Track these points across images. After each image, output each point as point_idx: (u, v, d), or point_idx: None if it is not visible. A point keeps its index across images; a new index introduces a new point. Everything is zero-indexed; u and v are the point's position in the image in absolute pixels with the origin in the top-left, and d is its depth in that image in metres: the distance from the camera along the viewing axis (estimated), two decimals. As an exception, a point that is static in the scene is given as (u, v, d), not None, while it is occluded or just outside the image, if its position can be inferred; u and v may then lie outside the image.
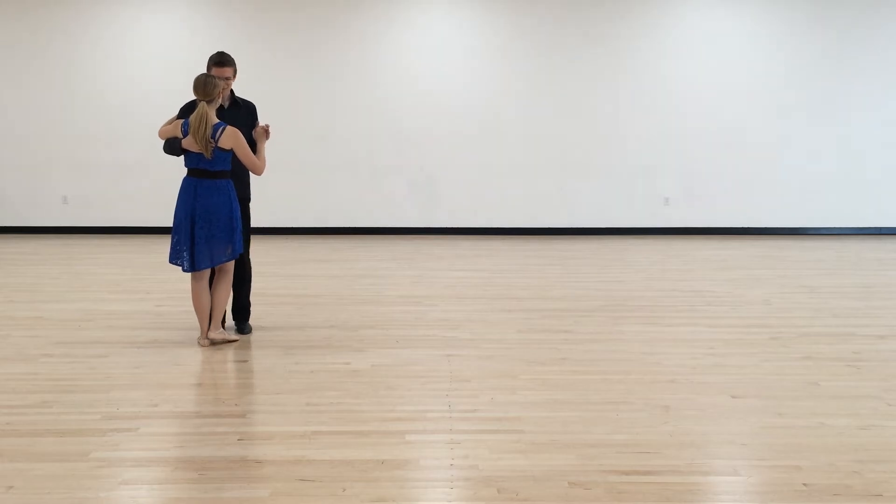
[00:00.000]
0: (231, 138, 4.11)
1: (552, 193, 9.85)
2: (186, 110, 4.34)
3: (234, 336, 4.41)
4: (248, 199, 4.61)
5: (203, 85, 4.12)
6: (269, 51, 9.64)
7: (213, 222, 4.13)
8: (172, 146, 4.26)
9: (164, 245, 8.65)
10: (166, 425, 3.08)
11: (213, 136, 4.07)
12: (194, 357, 4.07)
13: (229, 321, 4.64)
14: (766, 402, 3.38)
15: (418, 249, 8.36)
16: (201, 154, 4.11)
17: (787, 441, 2.91)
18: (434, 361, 4.01)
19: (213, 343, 4.28)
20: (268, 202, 9.82)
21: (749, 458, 2.78)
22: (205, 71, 4.43)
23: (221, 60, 4.45)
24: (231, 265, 4.33)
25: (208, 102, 4.11)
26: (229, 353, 4.13)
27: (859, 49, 9.75)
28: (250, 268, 4.67)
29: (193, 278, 4.26)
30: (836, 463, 2.71)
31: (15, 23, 9.63)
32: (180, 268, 4.22)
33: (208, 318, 4.28)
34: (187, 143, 4.13)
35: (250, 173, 4.49)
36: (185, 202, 4.20)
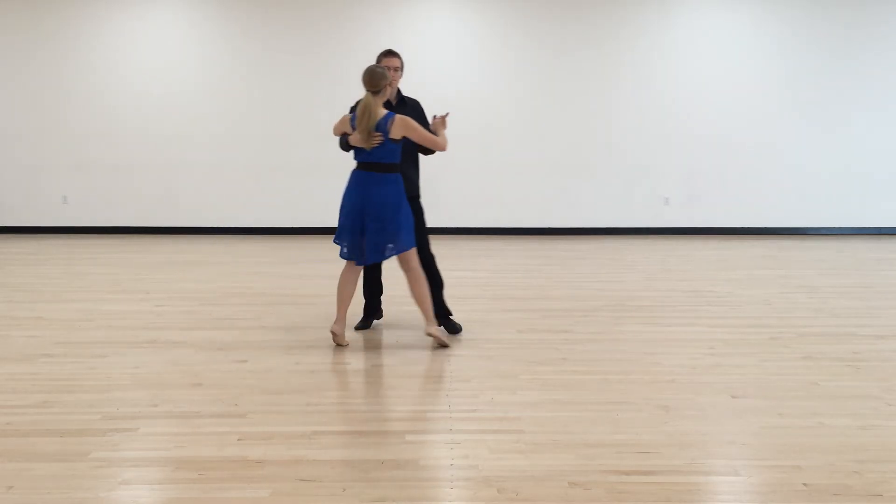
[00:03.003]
0: (401, 127, 4.07)
1: (552, 193, 9.85)
2: (356, 108, 4.27)
3: (445, 339, 4.30)
4: (419, 196, 4.58)
5: (370, 75, 4.06)
6: (269, 51, 9.65)
7: (382, 216, 4.11)
8: (343, 142, 4.25)
9: (164, 245, 8.70)
10: (166, 425, 3.08)
11: (381, 128, 4.03)
12: (194, 357, 4.07)
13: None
14: (766, 402, 3.37)
15: (418, 249, 8.36)
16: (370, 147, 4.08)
17: (787, 441, 2.91)
18: (434, 361, 4.01)
19: (432, 336, 4.24)
20: (268, 202, 9.84)
21: (749, 458, 2.77)
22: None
23: (390, 51, 4.47)
24: (413, 261, 4.24)
25: (374, 94, 4.04)
26: (229, 354, 4.13)
27: (860, 49, 9.75)
28: (436, 268, 4.58)
29: (346, 265, 4.30)
30: (836, 463, 2.70)
31: (15, 23, 9.64)
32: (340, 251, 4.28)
33: (346, 308, 4.28)
34: (354, 139, 4.09)
35: (419, 170, 4.53)
36: (355, 195, 4.18)
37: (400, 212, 4.16)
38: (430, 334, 4.27)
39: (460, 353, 4.15)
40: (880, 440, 2.93)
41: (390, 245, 4.16)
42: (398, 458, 2.75)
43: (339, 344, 4.28)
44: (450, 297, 5.65)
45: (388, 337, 4.54)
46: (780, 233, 9.97)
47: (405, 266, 4.25)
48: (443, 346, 4.26)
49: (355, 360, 4.03)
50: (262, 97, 9.73)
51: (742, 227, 9.97)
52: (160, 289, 6.03)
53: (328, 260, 7.66)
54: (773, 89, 9.79)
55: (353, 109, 4.32)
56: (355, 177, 4.23)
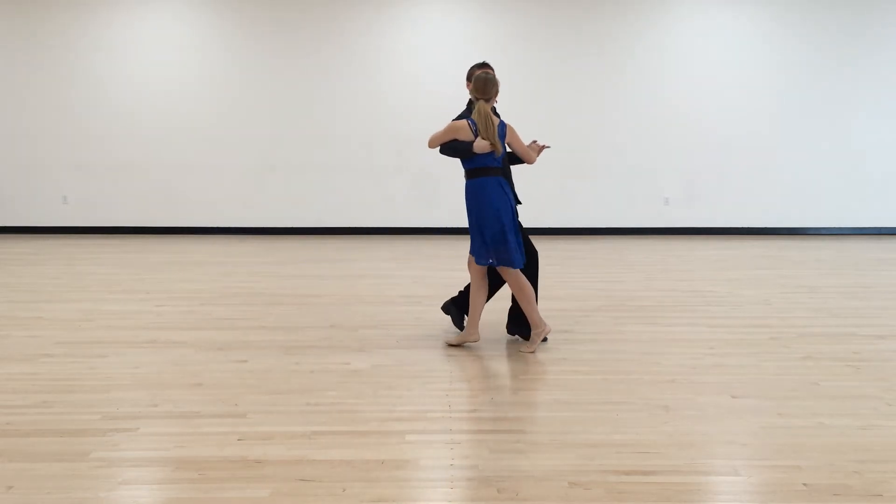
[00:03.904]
0: (512, 133, 4.17)
1: (553, 194, 9.85)
2: (461, 118, 4.24)
3: (545, 334, 4.27)
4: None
5: (484, 83, 4.08)
6: (269, 51, 9.65)
7: (511, 218, 4.15)
8: (457, 149, 4.12)
9: (164, 245, 8.70)
10: (166, 425, 3.08)
11: (500, 134, 4.08)
12: (194, 357, 4.07)
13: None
14: (766, 402, 3.37)
15: (418, 249, 8.37)
16: (492, 152, 4.08)
17: (787, 441, 2.91)
18: (434, 361, 4.01)
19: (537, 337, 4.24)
20: (268, 202, 9.85)
21: (749, 458, 2.77)
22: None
23: (484, 63, 4.48)
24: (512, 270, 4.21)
25: (486, 101, 4.09)
26: (229, 354, 4.13)
27: (859, 50, 9.76)
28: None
29: (480, 274, 4.24)
30: (836, 463, 2.70)
31: (15, 23, 9.64)
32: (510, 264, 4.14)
33: (473, 317, 4.27)
34: (480, 145, 4.04)
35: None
36: (506, 198, 4.16)
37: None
38: (534, 336, 4.21)
39: (460, 353, 4.15)
40: (880, 440, 2.93)
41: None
42: (398, 458, 2.75)
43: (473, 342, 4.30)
44: (450, 297, 5.65)
45: (388, 337, 4.54)
46: (780, 233, 9.97)
47: (505, 273, 4.21)
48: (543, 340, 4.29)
49: (355, 360, 4.03)
50: (263, 97, 9.73)
51: (742, 227, 9.97)
52: (160, 289, 6.03)
53: (328, 260, 7.67)
54: (772, 90, 9.79)
55: (461, 118, 4.23)
56: (493, 184, 4.15)
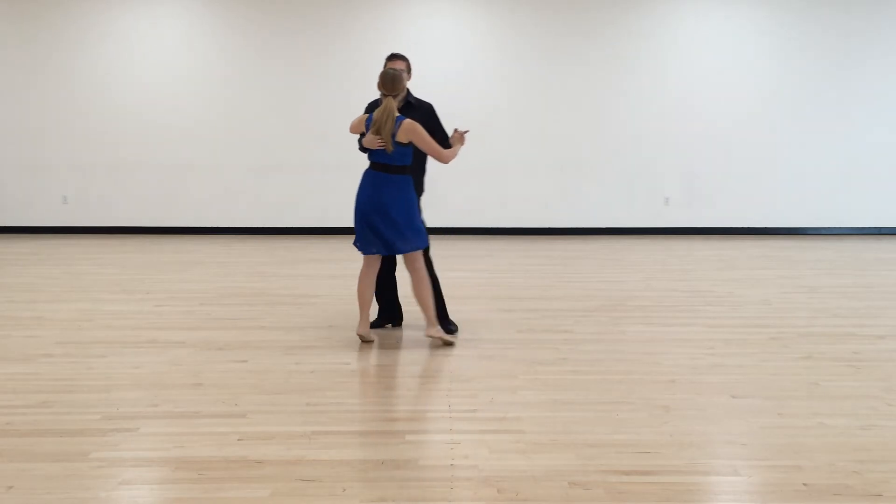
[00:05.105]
0: (407, 132, 4.09)
1: (552, 193, 9.85)
2: (371, 108, 4.34)
3: (448, 337, 4.31)
4: (419, 195, 4.56)
5: (391, 80, 4.10)
6: (269, 51, 9.65)
7: (392, 215, 4.13)
8: (360, 142, 4.28)
9: (164, 245, 8.70)
10: (166, 425, 3.08)
11: (393, 131, 4.07)
12: (194, 357, 4.07)
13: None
14: (766, 402, 3.37)
15: (418, 249, 8.36)
16: (384, 149, 4.11)
17: (787, 441, 2.91)
18: (434, 361, 4.01)
19: (432, 337, 4.28)
20: (268, 202, 9.85)
21: (749, 458, 2.77)
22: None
23: (396, 54, 4.51)
24: (419, 262, 4.25)
25: (394, 97, 4.10)
26: (229, 354, 4.13)
27: (859, 50, 9.76)
28: (434, 270, 4.55)
29: (364, 263, 4.32)
30: (836, 463, 2.70)
31: (15, 24, 9.64)
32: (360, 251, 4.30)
33: (367, 310, 4.31)
34: (367, 140, 4.11)
35: (424, 173, 4.55)
36: (364, 194, 4.20)
37: (411, 211, 4.20)
38: (430, 336, 4.29)
39: (460, 353, 4.15)
40: (880, 440, 2.93)
41: (399, 243, 4.18)
42: (398, 458, 2.75)
43: (365, 341, 4.34)
44: (450, 297, 5.65)
45: (388, 337, 4.54)
46: (780, 233, 9.97)
47: (410, 266, 4.27)
48: (448, 344, 4.28)
49: (355, 360, 4.03)
50: (263, 97, 9.73)
51: (742, 227, 9.97)
52: (160, 289, 6.03)
53: (328, 260, 7.67)
54: (773, 89, 9.79)
55: (367, 110, 4.35)
56: (366, 176, 4.25)
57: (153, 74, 9.68)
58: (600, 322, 4.91)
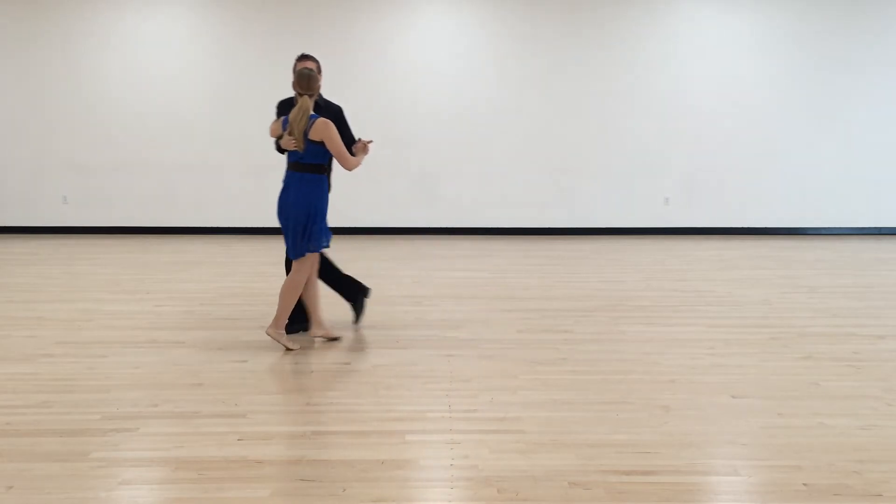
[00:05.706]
0: (319, 130, 4.11)
1: (552, 193, 9.85)
2: (283, 107, 4.37)
3: (290, 344, 4.24)
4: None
5: (307, 79, 4.15)
6: (268, 51, 9.64)
7: (293, 215, 4.16)
8: (277, 144, 4.31)
9: (164, 245, 8.69)
10: (166, 425, 3.08)
11: (306, 129, 4.10)
12: (194, 357, 4.07)
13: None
14: (766, 402, 3.37)
15: (418, 249, 8.36)
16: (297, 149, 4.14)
17: (787, 441, 2.91)
18: (434, 361, 4.01)
19: (270, 336, 4.28)
20: (268, 202, 9.84)
21: (749, 458, 2.77)
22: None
23: (305, 55, 4.57)
24: (308, 262, 4.28)
25: (310, 97, 4.14)
26: (229, 354, 4.13)
27: (859, 50, 9.76)
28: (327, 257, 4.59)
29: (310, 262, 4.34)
30: (836, 463, 2.70)
31: (15, 24, 9.63)
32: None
33: (317, 308, 4.35)
34: (284, 141, 4.14)
35: (331, 171, 4.55)
36: (282, 194, 4.25)
37: (309, 214, 4.20)
38: (268, 334, 4.23)
39: (460, 353, 4.15)
40: (880, 440, 2.93)
41: (307, 242, 4.21)
42: (398, 458, 2.75)
43: (331, 339, 4.35)
44: (450, 297, 5.66)
45: (387, 337, 4.54)
46: (780, 233, 9.97)
47: (296, 263, 4.26)
48: (288, 350, 4.21)
49: (355, 360, 4.03)
50: (262, 97, 9.68)
51: (742, 227, 9.97)
52: (160, 289, 6.03)
53: (328, 260, 7.66)
54: (773, 90, 9.79)
55: (279, 110, 4.42)
56: (285, 176, 4.29)
57: (154, 75, 9.68)
58: (600, 322, 4.91)
